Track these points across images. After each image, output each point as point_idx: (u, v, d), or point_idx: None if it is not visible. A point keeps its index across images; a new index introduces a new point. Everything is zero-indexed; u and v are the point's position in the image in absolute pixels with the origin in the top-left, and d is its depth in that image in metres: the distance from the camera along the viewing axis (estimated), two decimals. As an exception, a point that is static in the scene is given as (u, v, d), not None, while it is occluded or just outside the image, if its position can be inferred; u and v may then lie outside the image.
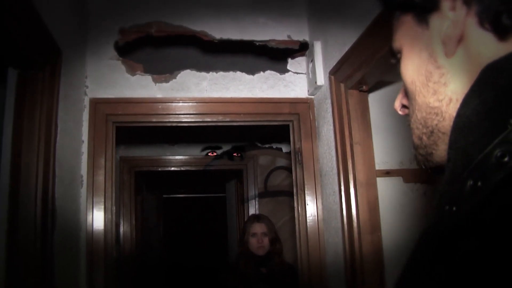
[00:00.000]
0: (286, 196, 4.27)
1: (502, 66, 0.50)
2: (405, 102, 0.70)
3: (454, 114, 0.56)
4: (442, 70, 0.58)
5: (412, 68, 0.63)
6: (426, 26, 0.59)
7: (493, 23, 0.52)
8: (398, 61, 0.68)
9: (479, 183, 0.43)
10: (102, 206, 2.10)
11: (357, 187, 1.87)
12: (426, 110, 0.61)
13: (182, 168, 4.44)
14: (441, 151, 0.61)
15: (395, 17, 0.67)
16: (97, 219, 2.08)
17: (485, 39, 0.53)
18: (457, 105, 0.55)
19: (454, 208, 0.45)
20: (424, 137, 0.63)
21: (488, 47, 0.53)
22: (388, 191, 2.00)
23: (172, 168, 4.41)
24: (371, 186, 1.89)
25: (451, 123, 0.56)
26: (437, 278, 0.43)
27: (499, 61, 0.51)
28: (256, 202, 4.36)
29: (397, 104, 0.73)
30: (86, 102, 2.19)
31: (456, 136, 0.53)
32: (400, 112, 0.73)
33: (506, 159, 0.42)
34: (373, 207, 1.87)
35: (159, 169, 4.43)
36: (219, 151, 4.45)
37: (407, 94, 0.67)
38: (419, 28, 0.61)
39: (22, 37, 1.41)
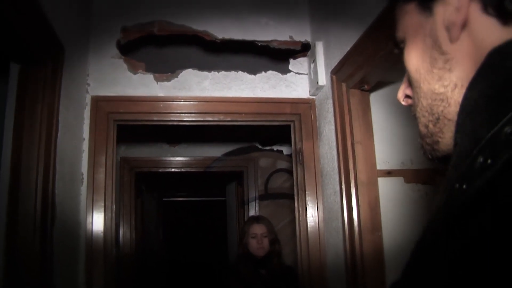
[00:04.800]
0: (287, 198, 4.26)
1: (509, 50, 0.51)
2: (408, 92, 0.70)
3: (459, 99, 0.56)
4: (446, 56, 0.58)
5: (416, 55, 0.63)
6: (430, 13, 0.60)
7: (496, 8, 0.53)
8: (401, 51, 0.68)
9: (489, 161, 0.42)
10: (102, 204, 2.09)
11: (358, 187, 1.86)
12: (431, 97, 0.61)
13: (183, 170, 4.41)
14: (447, 139, 0.61)
15: (398, 7, 0.67)
16: (97, 217, 2.08)
17: (489, 24, 0.54)
18: (463, 91, 0.55)
19: (464, 186, 0.44)
20: (431, 125, 0.63)
21: (492, 32, 0.54)
22: (389, 191, 1.99)
23: (173, 169, 4.39)
24: (372, 186, 1.88)
25: (457, 109, 0.56)
26: (450, 256, 0.42)
27: (505, 45, 0.51)
28: (257, 205, 4.34)
29: (401, 94, 0.73)
30: (88, 99, 2.19)
31: (464, 119, 0.53)
32: (403, 103, 0.73)
33: None
34: (374, 207, 1.86)
35: (160, 170, 4.41)
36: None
37: (410, 83, 0.67)
38: (422, 16, 0.61)
39: (24, 31, 1.40)
